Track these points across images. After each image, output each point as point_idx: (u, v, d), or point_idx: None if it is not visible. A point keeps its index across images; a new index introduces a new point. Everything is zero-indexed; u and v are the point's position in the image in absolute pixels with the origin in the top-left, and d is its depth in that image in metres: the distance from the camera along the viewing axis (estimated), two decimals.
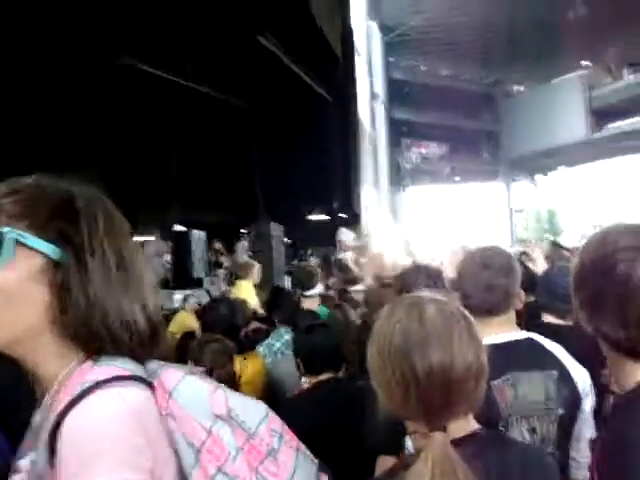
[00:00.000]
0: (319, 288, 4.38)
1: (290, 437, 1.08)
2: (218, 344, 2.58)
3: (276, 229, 10.51)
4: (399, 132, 29.28)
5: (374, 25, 24.55)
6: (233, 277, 13.01)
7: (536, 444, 1.67)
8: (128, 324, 0.91)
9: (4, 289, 0.87)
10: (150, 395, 0.90)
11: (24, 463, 0.92)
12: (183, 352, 2.88)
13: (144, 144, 17.77)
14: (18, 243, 0.88)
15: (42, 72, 12.28)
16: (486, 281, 1.84)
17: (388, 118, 27.45)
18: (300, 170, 16.73)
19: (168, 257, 12.67)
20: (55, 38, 12.72)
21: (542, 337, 1.83)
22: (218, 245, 14.22)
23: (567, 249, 5.15)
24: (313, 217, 19.60)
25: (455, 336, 1.14)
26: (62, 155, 15.21)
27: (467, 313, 1.23)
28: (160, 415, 0.90)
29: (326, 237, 15.16)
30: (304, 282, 4.21)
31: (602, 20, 22.64)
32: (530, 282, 2.67)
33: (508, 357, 1.74)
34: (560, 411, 1.70)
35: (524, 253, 5.58)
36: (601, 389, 1.74)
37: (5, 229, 0.87)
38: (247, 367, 2.97)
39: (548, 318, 2.56)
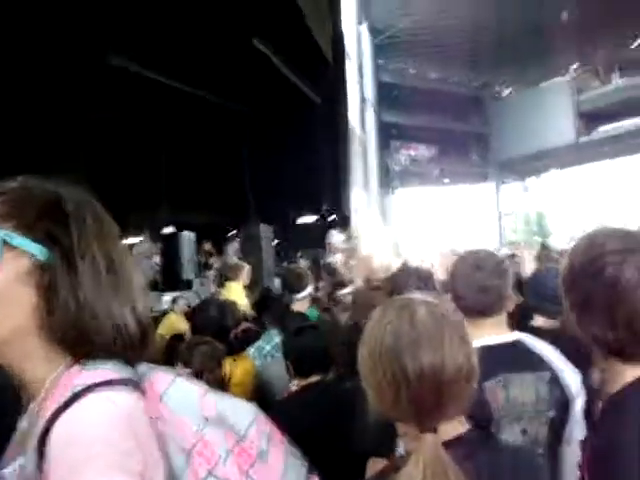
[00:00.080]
0: (309, 290, 4.38)
1: (279, 439, 1.08)
2: (207, 346, 2.57)
3: (266, 231, 10.51)
4: (388, 134, 29.37)
5: (364, 28, 24.60)
6: (223, 279, 13.02)
7: (527, 445, 1.67)
8: (118, 327, 0.90)
9: None
10: (140, 398, 0.89)
11: (8, 472, 0.90)
12: (172, 354, 2.87)
13: (134, 145, 17.71)
14: (5, 244, 0.87)
15: (31, 73, 12.22)
16: (479, 282, 1.85)
17: (377, 120, 27.52)
18: (290, 172, 16.73)
19: (157, 259, 12.60)
20: (45, 39, 12.65)
21: (534, 339, 1.83)
22: (208, 246, 14.19)
23: (556, 251, 5.18)
24: (303, 219, 19.61)
25: (446, 338, 1.14)
26: (50, 156, 15.13)
27: (458, 315, 1.23)
28: (150, 418, 0.89)
29: (316, 239, 15.16)
30: (294, 284, 4.21)
31: (590, 24, 22.79)
32: (518, 284, 2.68)
33: (500, 359, 1.75)
34: (551, 413, 1.70)
35: (513, 255, 5.61)
36: (590, 391, 1.74)
37: None
38: (237, 369, 2.96)
39: (538, 319, 2.57)
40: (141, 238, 13.42)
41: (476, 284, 1.85)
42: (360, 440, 1.73)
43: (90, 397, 0.83)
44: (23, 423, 0.95)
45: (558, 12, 22.74)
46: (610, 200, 28.58)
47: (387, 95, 29.04)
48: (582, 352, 1.78)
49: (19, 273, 0.87)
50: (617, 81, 27.79)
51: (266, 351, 3.46)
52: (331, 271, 7.40)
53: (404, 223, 33.03)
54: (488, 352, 1.73)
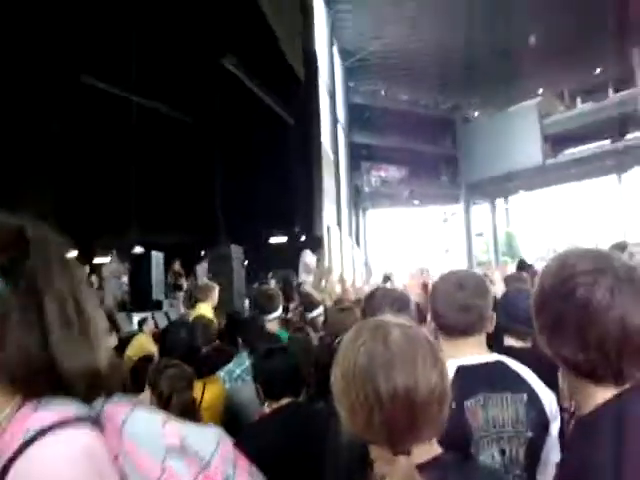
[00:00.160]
0: (279, 311, 4.36)
1: (243, 463, 1.06)
2: (176, 369, 2.52)
3: (236, 251, 10.45)
4: (359, 155, 29.61)
5: (335, 50, 24.87)
6: (193, 300, 12.90)
7: (502, 468, 1.67)
8: (83, 368, 0.87)
9: None
10: (100, 435, 0.86)
11: None
12: (139, 376, 2.82)
13: (104, 165, 17.57)
14: None
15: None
16: (461, 301, 1.85)
17: (348, 142, 27.73)
18: (261, 192, 16.74)
19: (126, 279, 12.44)
20: (14, 59, 12.55)
21: (511, 360, 1.84)
22: (177, 267, 14.05)
23: (532, 268, 5.23)
24: (274, 240, 19.56)
25: (419, 359, 1.14)
26: (17, 176, 14.94)
27: (430, 337, 1.22)
28: (112, 454, 0.86)
29: (286, 260, 15.14)
30: (265, 306, 4.18)
31: (556, 50, 23.36)
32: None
33: (480, 378, 1.75)
34: (529, 434, 1.71)
35: (485, 275, 5.65)
36: (562, 412, 1.75)
37: None
38: (207, 392, 2.92)
39: (509, 340, 2.58)
40: (109, 258, 13.24)
41: (457, 303, 1.85)
42: (332, 463, 1.70)
43: (48, 438, 0.79)
44: None
45: (525, 37, 23.26)
46: (577, 221, 29.10)
47: (358, 117, 29.31)
48: (552, 373, 1.81)
49: None
50: (581, 105, 28.47)
51: (236, 374, 3.42)
52: (303, 293, 7.40)
53: (375, 244, 33.23)
54: (468, 372, 1.74)
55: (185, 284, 14.24)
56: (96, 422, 0.87)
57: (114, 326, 8.56)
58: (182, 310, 11.92)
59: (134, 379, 2.97)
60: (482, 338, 1.89)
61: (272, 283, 13.88)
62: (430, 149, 31.66)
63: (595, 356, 1.10)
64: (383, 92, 30.76)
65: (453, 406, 1.65)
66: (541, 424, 1.73)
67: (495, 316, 1.94)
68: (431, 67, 26.48)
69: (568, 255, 1.21)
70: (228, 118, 17.35)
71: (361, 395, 1.12)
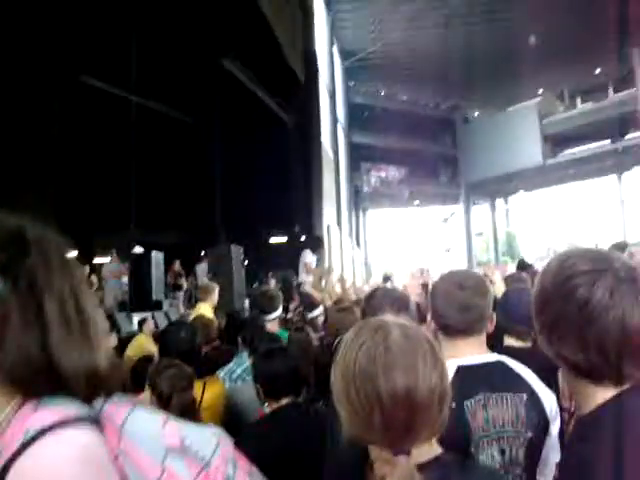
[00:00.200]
0: (279, 311, 4.37)
1: (243, 463, 1.07)
2: (176, 369, 2.52)
3: (236, 251, 10.44)
4: (359, 156, 29.59)
5: (335, 50, 24.89)
6: (193, 300, 12.92)
7: (505, 466, 1.67)
8: (83, 368, 0.86)
9: None
10: (100, 435, 0.85)
11: None
12: (139, 376, 2.81)
13: (104, 165, 17.58)
14: None
15: None
16: (461, 301, 1.85)
17: (348, 142, 27.73)
18: (262, 192, 16.74)
19: (126, 279, 12.44)
20: (14, 60, 12.56)
21: (512, 360, 1.84)
22: (177, 267, 14.05)
23: (532, 268, 5.22)
24: (274, 240, 19.57)
25: (419, 359, 1.13)
26: (17, 176, 14.94)
27: (431, 337, 1.22)
28: (112, 454, 0.86)
29: (286, 260, 15.15)
30: (265, 306, 4.19)
31: (556, 51, 23.36)
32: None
33: (481, 378, 1.75)
34: (529, 434, 1.71)
35: (485, 275, 5.64)
36: (562, 412, 1.75)
37: None
38: (207, 392, 2.92)
39: (509, 340, 2.58)
40: (109, 258, 13.25)
41: (458, 303, 1.85)
42: (332, 464, 1.71)
43: (49, 438, 0.79)
44: None
45: (525, 37, 23.28)
46: (577, 221, 29.13)
47: (357, 117, 29.32)
48: (552, 373, 1.81)
49: None
50: (581, 105, 28.49)
51: (237, 374, 3.42)
52: (303, 293, 7.42)
53: (375, 244, 33.26)
54: (469, 371, 1.74)
55: (185, 284, 14.25)
56: (96, 422, 0.87)
57: (114, 326, 8.58)
58: (182, 310, 11.93)
59: (134, 379, 2.97)
60: (482, 338, 1.89)
61: (272, 283, 13.91)
62: (430, 149, 31.68)
63: (595, 356, 1.10)
64: (383, 92, 30.78)
65: (453, 406, 1.65)
66: (541, 424, 1.73)
67: (495, 316, 1.94)
68: (431, 67, 26.49)
69: (568, 255, 1.21)
70: (228, 118, 17.36)
71: (361, 395, 1.12)
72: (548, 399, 1.77)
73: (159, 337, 3.74)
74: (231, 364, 3.51)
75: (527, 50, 23.53)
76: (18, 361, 0.83)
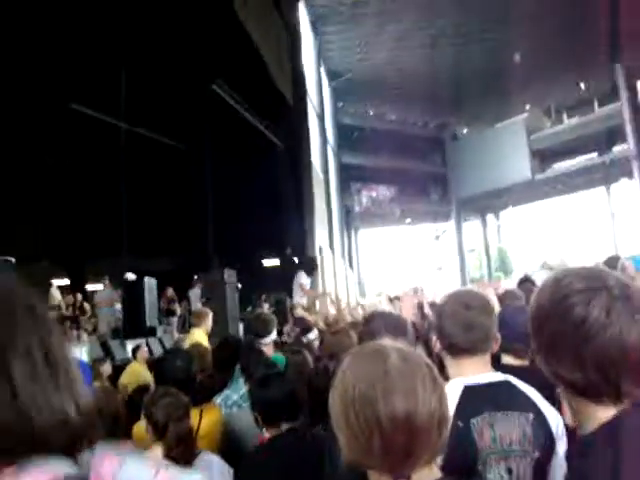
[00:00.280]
0: (274, 335, 4.35)
1: None
2: (172, 398, 2.50)
3: (229, 275, 10.42)
4: (349, 176, 29.70)
5: (323, 72, 25.09)
6: (187, 325, 12.86)
7: None
8: (58, 421, 0.81)
9: None
10: None
11: None
12: (135, 406, 2.79)
13: (95, 192, 17.59)
14: None
15: None
16: (468, 320, 1.86)
17: (338, 163, 27.84)
18: (254, 215, 16.75)
19: (119, 306, 12.37)
20: (1, 84, 12.59)
21: (517, 379, 1.85)
22: (170, 292, 13.99)
23: (534, 284, 5.21)
24: (266, 262, 19.55)
25: (419, 383, 1.13)
26: (8, 203, 14.91)
27: (429, 361, 1.22)
28: None
29: (279, 282, 15.12)
30: (260, 330, 4.17)
31: (542, 67, 23.66)
32: None
33: (487, 397, 1.76)
34: (536, 453, 1.70)
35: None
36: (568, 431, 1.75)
37: None
38: (203, 419, 2.89)
39: (506, 358, 2.58)
40: (102, 285, 13.19)
41: (464, 322, 1.87)
42: None
43: None
44: None
45: (511, 55, 23.57)
46: (568, 234, 29.26)
47: (347, 137, 29.49)
48: (550, 392, 1.80)
49: None
50: (568, 120, 28.81)
51: (232, 401, 3.39)
52: (297, 315, 7.41)
53: (368, 263, 33.28)
54: (475, 390, 1.75)
55: (178, 310, 14.19)
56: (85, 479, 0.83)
57: (108, 354, 8.53)
58: (176, 336, 11.87)
59: (130, 409, 2.95)
60: (487, 358, 1.90)
61: (265, 306, 13.86)
62: (420, 167, 31.85)
63: (593, 375, 1.10)
64: (371, 112, 30.99)
65: (460, 424, 1.66)
66: (548, 444, 1.73)
67: (498, 335, 1.95)
68: (419, 86, 26.73)
69: (563, 274, 1.21)
70: (218, 142, 17.42)
71: (361, 419, 1.11)
72: (554, 419, 1.77)
73: (155, 365, 3.71)
74: (227, 390, 3.48)
75: (513, 67, 23.80)
76: None
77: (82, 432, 0.84)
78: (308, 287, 8.14)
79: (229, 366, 3.74)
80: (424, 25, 22.62)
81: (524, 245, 32.32)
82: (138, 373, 6.91)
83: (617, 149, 27.28)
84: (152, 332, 10.82)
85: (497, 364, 2.45)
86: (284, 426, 2.45)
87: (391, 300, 7.44)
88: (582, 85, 28.18)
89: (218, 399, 3.41)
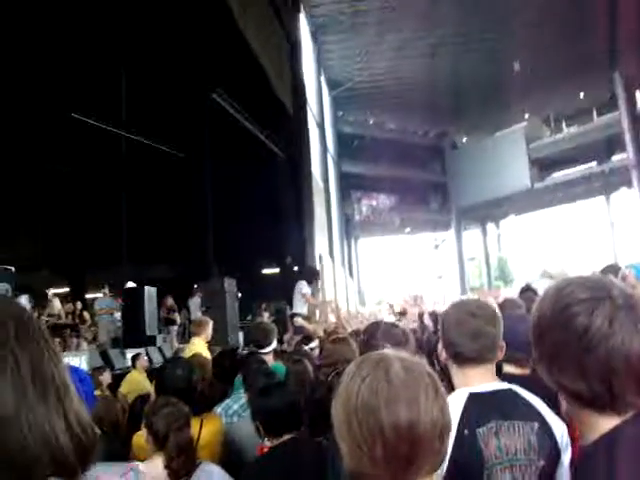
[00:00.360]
0: (274, 345, 4.33)
1: None
2: (172, 408, 2.49)
3: (229, 284, 10.42)
4: (349, 185, 29.73)
5: (323, 81, 25.15)
6: (187, 334, 12.84)
7: None
8: (47, 442, 0.78)
9: None
10: None
11: None
12: (136, 416, 2.77)
13: (95, 200, 17.60)
14: None
15: None
16: (474, 329, 1.87)
17: (338, 171, 27.87)
18: (254, 224, 16.75)
19: (119, 314, 12.34)
20: (2, 94, 12.62)
21: (521, 389, 1.85)
22: (170, 301, 13.96)
23: (536, 293, 5.19)
24: (266, 271, 19.55)
25: (421, 393, 1.13)
26: (8, 211, 14.92)
27: (432, 370, 1.22)
28: None
29: (279, 291, 15.11)
30: (260, 339, 4.15)
31: (541, 76, 23.73)
32: None
33: (493, 406, 1.76)
34: (541, 462, 1.70)
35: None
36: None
37: None
38: (204, 429, 2.88)
39: (507, 367, 2.57)
40: (102, 294, 13.17)
41: (470, 330, 1.87)
42: None
43: None
44: None
45: (511, 65, 23.66)
46: (568, 243, 29.28)
47: (347, 146, 29.53)
48: (551, 401, 1.80)
49: None
50: (567, 129, 28.90)
51: (233, 410, 3.38)
52: (297, 324, 7.39)
53: (367, 272, 33.28)
54: (481, 399, 1.75)
55: (178, 318, 14.16)
56: None
57: (108, 363, 8.51)
58: (176, 345, 11.84)
59: (130, 419, 2.94)
60: (492, 367, 1.90)
61: (265, 315, 13.84)
62: (419, 176, 31.90)
63: (596, 385, 1.09)
64: (371, 121, 31.06)
65: (466, 433, 1.65)
66: (553, 453, 1.73)
67: (503, 344, 1.95)
68: (418, 95, 26.81)
69: (565, 283, 1.21)
70: (218, 151, 17.45)
71: (363, 428, 1.11)
72: (559, 428, 1.76)
73: (155, 374, 3.70)
74: (228, 400, 3.47)
75: (513, 76, 23.91)
76: None
77: (72, 451, 0.81)
78: (309, 296, 8.11)
79: (230, 376, 3.73)
80: (424, 35, 22.73)
81: (524, 254, 32.32)
82: (138, 382, 6.90)
83: (616, 158, 27.36)
84: (152, 341, 10.78)
85: (498, 373, 2.45)
86: (285, 436, 2.44)
87: (396, 315, 7.44)
88: (581, 94, 28.28)
89: (219, 409, 3.40)
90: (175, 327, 13.91)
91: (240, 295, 12.32)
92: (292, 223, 17.66)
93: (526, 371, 2.53)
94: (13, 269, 9.14)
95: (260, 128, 16.18)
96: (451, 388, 1.87)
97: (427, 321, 6.34)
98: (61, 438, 0.79)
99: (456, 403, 1.73)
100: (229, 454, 2.98)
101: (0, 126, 13.29)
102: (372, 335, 2.58)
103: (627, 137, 25.55)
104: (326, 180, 24.00)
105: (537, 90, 25.73)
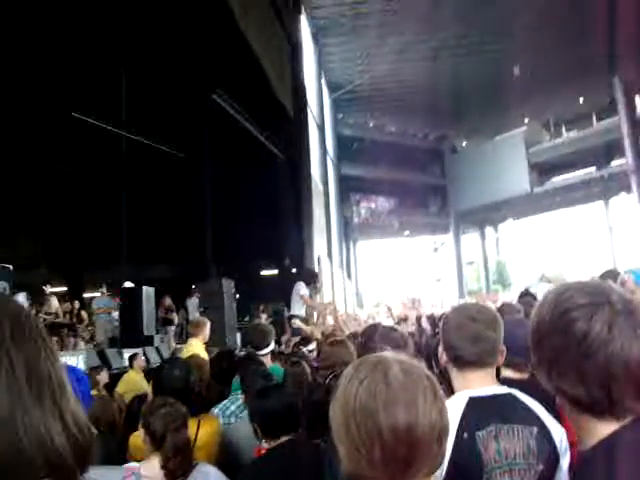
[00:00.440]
0: (272, 346, 4.33)
1: None
2: (170, 408, 2.48)
3: (227, 285, 10.41)
4: (348, 187, 29.75)
5: (324, 83, 25.17)
6: (184, 334, 12.83)
7: None
8: (43, 444, 0.76)
9: None
10: None
11: None
12: (133, 417, 2.77)
13: (94, 200, 17.61)
14: None
15: None
16: (475, 333, 1.87)
17: (337, 174, 27.88)
18: (252, 225, 16.76)
19: (116, 314, 12.33)
20: (2, 93, 12.62)
21: (521, 393, 1.85)
22: (168, 301, 13.96)
23: (535, 298, 5.19)
24: (265, 272, 19.55)
25: (420, 395, 1.13)
26: (9, 211, 14.92)
27: (430, 373, 1.22)
28: None
29: (277, 292, 15.12)
30: (258, 342, 4.15)
31: (541, 81, 23.77)
32: None
33: (492, 410, 1.77)
34: (540, 467, 1.70)
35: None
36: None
37: None
38: (201, 430, 2.87)
39: (506, 372, 2.57)
40: (99, 293, 13.16)
41: (470, 334, 1.87)
42: None
43: None
44: None
45: (511, 68, 23.70)
46: (567, 248, 29.31)
47: (347, 148, 29.55)
48: (549, 406, 1.80)
49: None
50: (567, 134, 28.94)
51: (230, 411, 3.38)
52: (295, 326, 7.39)
53: (366, 275, 33.28)
54: (480, 403, 1.76)
55: (176, 319, 14.15)
56: None
57: (105, 362, 8.50)
58: (173, 345, 11.83)
59: (127, 419, 2.93)
60: (493, 371, 1.91)
61: (263, 317, 13.84)
62: (419, 179, 31.92)
63: (595, 390, 1.09)
64: (371, 124, 31.08)
65: (465, 436, 1.66)
66: (552, 458, 1.73)
67: (504, 348, 1.95)
68: (419, 98, 26.83)
69: (564, 288, 1.21)
70: (218, 152, 17.47)
71: (362, 431, 1.11)
72: (558, 433, 1.77)
73: (153, 374, 3.69)
74: (225, 401, 3.47)
75: (513, 81, 23.94)
76: None
77: (69, 453, 0.79)
78: (307, 298, 8.10)
79: (227, 377, 3.73)
80: (425, 38, 22.76)
81: (522, 258, 32.33)
82: (135, 382, 6.90)
83: (615, 163, 27.40)
84: (149, 341, 10.77)
85: (497, 378, 2.45)
86: (283, 438, 2.44)
87: (395, 319, 7.44)
88: (581, 99, 28.32)
89: (216, 409, 3.40)
90: (173, 327, 13.90)
91: (238, 296, 12.31)
92: (291, 225, 17.66)
93: (524, 376, 2.53)
94: (11, 267, 9.13)
95: (260, 129, 16.18)
96: (450, 391, 1.87)
97: (425, 324, 6.35)
98: (57, 440, 0.77)
99: (456, 406, 1.73)
100: (226, 455, 2.97)
101: (0, 125, 13.28)
102: (370, 338, 2.57)
103: (626, 142, 25.58)
104: (325, 182, 24.01)
105: (537, 94, 25.77)
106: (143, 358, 7.89)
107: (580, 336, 1.11)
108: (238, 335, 10.53)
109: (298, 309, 7.99)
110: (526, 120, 29.85)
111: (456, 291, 30.31)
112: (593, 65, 24.01)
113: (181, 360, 3.70)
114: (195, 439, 2.74)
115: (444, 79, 25.39)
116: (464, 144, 33.53)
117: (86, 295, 16.63)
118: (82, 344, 12.28)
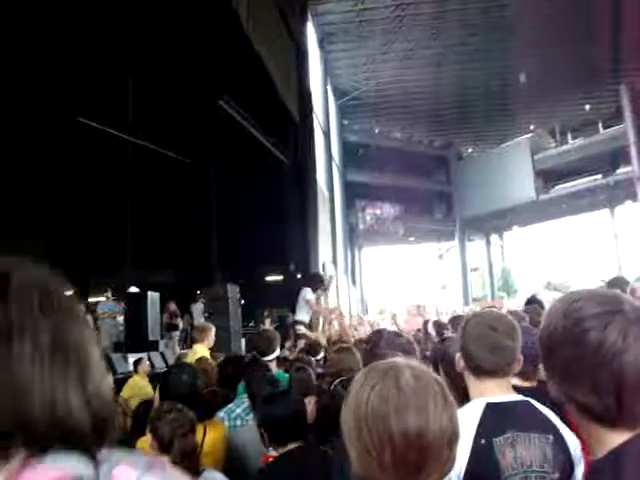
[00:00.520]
0: (277, 352, 4.32)
1: None
2: (178, 413, 2.48)
3: (232, 291, 10.42)
4: (353, 194, 29.76)
5: (329, 89, 25.23)
6: (189, 340, 12.84)
7: None
8: (61, 415, 0.76)
9: None
10: None
11: None
12: (140, 422, 2.77)
13: (100, 205, 17.64)
14: None
15: None
16: (494, 342, 1.89)
17: (343, 180, 27.91)
18: (257, 231, 16.78)
19: (121, 319, 12.34)
20: (9, 97, 12.68)
21: (536, 401, 1.85)
22: (173, 307, 13.97)
23: (542, 305, 5.18)
24: (270, 278, 19.57)
25: (430, 401, 1.13)
26: (13, 215, 14.95)
27: (440, 379, 1.22)
28: None
29: (282, 298, 15.12)
30: (264, 348, 4.14)
31: (547, 88, 23.78)
32: None
33: (509, 417, 1.78)
34: (556, 475, 1.71)
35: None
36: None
37: None
38: (207, 435, 2.87)
39: (513, 380, 2.56)
40: (104, 298, 13.18)
41: (490, 344, 1.89)
42: None
43: None
44: None
45: (517, 75, 23.72)
46: (572, 255, 29.26)
47: (352, 155, 29.57)
48: (557, 414, 1.80)
49: None
50: (573, 141, 28.91)
51: (235, 414, 3.37)
52: (300, 333, 7.38)
53: (371, 281, 33.28)
54: (497, 409, 1.77)
55: (181, 324, 14.17)
56: None
57: (110, 367, 8.51)
58: (178, 350, 11.84)
59: (135, 423, 2.93)
60: (509, 380, 1.94)
61: (267, 322, 13.84)
62: (424, 186, 31.91)
63: (609, 400, 1.09)
64: (377, 130, 31.11)
65: (483, 442, 1.66)
66: (567, 466, 1.73)
67: (521, 357, 1.96)
68: (424, 105, 26.89)
69: (574, 297, 1.20)
70: (224, 158, 17.50)
71: (373, 435, 1.11)
72: (573, 442, 1.77)
73: (160, 379, 3.69)
74: (231, 404, 3.47)
75: (519, 87, 23.96)
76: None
77: (91, 427, 0.79)
78: (313, 303, 8.08)
79: (233, 383, 3.73)
80: (431, 44, 22.81)
81: (528, 265, 32.29)
82: (139, 387, 6.89)
83: (621, 171, 27.34)
84: (154, 346, 10.79)
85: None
86: (290, 444, 2.44)
87: (398, 325, 7.45)
88: (587, 106, 28.30)
89: (221, 412, 3.40)
90: (177, 332, 13.92)
91: (243, 301, 12.32)
92: (296, 230, 17.69)
93: (533, 384, 2.52)
94: None
95: (266, 135, 16.23)
96: (459, 397, 1.87)
97: (431, 330, 6.35)
98: (75, 411, 0.77)
99: (473, 413, 1.75)
100: (232, 460, 2.97)
101: (6, 129, 13.33)
102: (375, 344, 2.57)
103: (632, 150, 25.53)
104: (331, 188, 24.05)
105: (543, 102, 25.79)
106: (148, 363, 7.89)
107: (595, 346, 1.10)
108: (243, 341, 10.55)
109: (303, 315, 7.96)
110: (532, 127, 29.84)
111: (461, 298, 30.26)
112: (599, 72, 24.02)
113: (188, 365, 3.70)
114: (202, 445, 2.73)
115: (450, 86, 25.44)
116: (470, 151, 33.54)
117: (91, 300, 16.64)
118: None
